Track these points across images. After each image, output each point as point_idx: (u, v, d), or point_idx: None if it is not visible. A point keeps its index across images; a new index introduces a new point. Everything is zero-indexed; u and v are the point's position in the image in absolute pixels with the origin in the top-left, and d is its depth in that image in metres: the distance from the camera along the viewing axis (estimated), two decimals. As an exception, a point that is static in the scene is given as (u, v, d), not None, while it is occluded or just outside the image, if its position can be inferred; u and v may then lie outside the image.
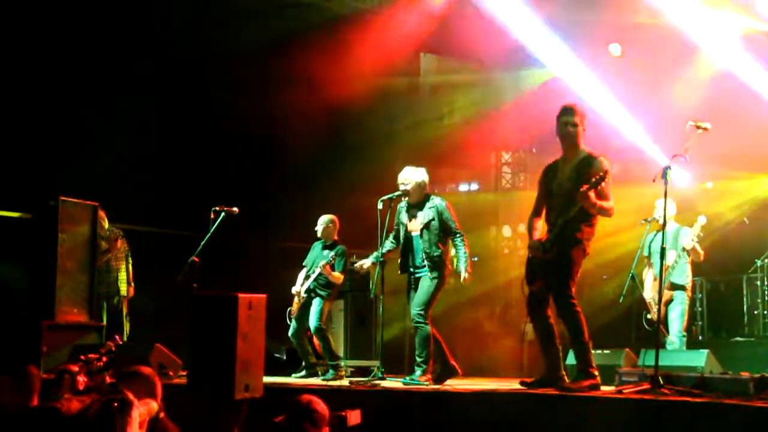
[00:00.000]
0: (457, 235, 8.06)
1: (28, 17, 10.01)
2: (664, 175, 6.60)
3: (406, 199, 8.18)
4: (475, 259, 13.67)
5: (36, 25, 10.05)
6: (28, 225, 9.03)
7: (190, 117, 11.25)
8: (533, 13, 11.57)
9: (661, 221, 7.26)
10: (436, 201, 8.14)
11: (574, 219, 6.71)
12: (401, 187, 8.14)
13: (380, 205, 8.08)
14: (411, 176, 8.16)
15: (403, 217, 8.19)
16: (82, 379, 6.51)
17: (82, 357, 7.11)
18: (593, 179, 6.58)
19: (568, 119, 6.92)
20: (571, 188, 6.70)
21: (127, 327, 9.88)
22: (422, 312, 7.90)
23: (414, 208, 8.17)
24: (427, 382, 7.77)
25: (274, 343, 10.33)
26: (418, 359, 7.96)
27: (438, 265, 7.96)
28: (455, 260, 8.09)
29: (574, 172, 6.82)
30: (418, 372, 7.89)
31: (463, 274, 7.96)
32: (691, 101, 10.91)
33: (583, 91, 11.96)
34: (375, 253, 8.26)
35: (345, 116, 12.31)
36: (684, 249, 9.03)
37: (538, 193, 7.17)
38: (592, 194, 6.57)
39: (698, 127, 6.79)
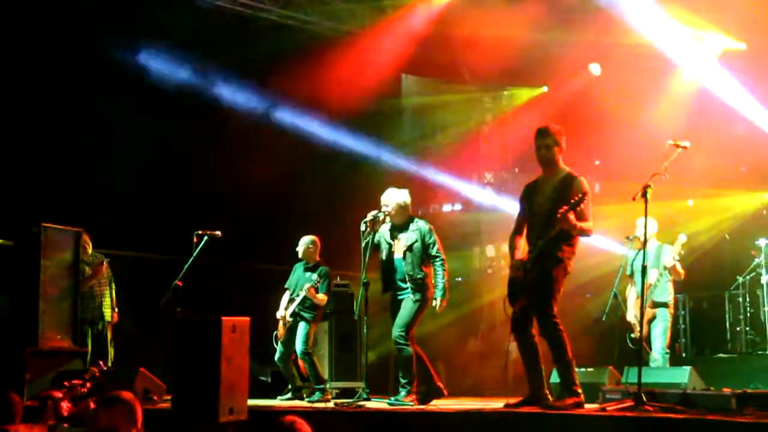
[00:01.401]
0: (438, 260, 8.06)
1: (14, 43, 10.02)
2: (644, 193, 6.66)
3: (389, 220, 8.19)
4: (459, 279, 13.76)
5: (22, 50, 10.05)
6: (10, 252, 9.00)
7: (171, 140, 11.27)
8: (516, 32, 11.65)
9: (642, 239, 7.33)
10: (420, 224, 8.15)
11: (554, 239, 6.76)
12: (384, 209, 8.14)
13: (363, 227, 8.07)
14: (393, 197, 8.17)
15: (387, 238, 8.20)
16: (66, 405, 6.52)
17: (66, 383, 7.13)
18: (572, 200, 6.64)
19: (541, 142, 6.98)
20: (551, 207, 6.75)
21: (111, 352, 9.85)
22: (403, 333, 7.91)
23: (397, 230, 8.19)
24: (411, 403, 7.78)
25: (258, 366, 10.32)
26: (402, 380, 7.97)
27: (421, 287, 7.98)
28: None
29: (554, 191, 6.88)
30: (403, 393, 7.90)
31: (438, 302, 7.98)
32: (670, 120, 11.04)
33: (565, 108, 12.07)
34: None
35: (326, 138, 12.36)
36: (665, 267, 9.10)
37: (519, 211, 7.23)
38: (571, 216, 6.63)
39: (677, 146, 6.87)
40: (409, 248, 8.04)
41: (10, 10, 9.99)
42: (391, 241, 8.16)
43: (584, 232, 6.79)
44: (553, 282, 6.78)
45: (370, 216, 8.09)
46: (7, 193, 9.89)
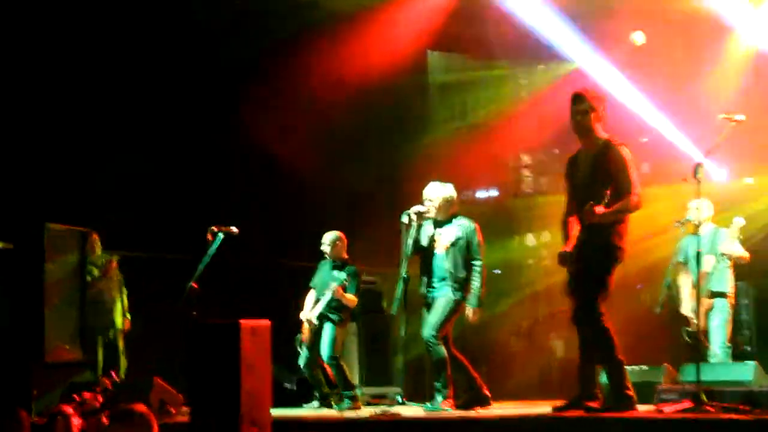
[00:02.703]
0: (477, 263, 8.08)
1: (14, 38, 10.09)
2: (696, 173, 6.57)
3: (431, 216, 8.18)
4: (497, 271, 13.70)
5: (23, 45, 10.12)
6: (11, 255, 9.04)
7: (185, 128, 11.30)
8: (550, 2, 11.57)
9: (695, 223, 7.25)
10: (464, 221, 8.20)
11: (596, 225, 6.60)
12: (426, 203, 8.16)
13: (404, 219, 8.06)
14: (437, 192, 8.20)
15: (429, 233, 8.19)
16: (76, 421, 6.56)
17: (76, 397, 7.18)
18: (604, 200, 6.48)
19: (577, 108, 6.81)
20: (589, 184, 6.63)
21: (123, 362, 9.91)
22: (435, 333, 7.91)
23: (439, 226, 8.19)
24: (449, 408, 7.77)
25: (283, 372, 10.35)
26: (437, 384, 7.96)
27: (462, 287, 8.03)
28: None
29: (592, 165, 6.73)
30: (439, 398, 7.90)
31: (471, 311, 7.99)
32: (724, 90, 10.93)
33: (606, 83, 11.97)
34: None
35: (349, 121, 12.34)
36: (722, 254, 9.00)
37: (566, 190, 7.11)
38: (599, 209, 6.45)
39: (731, 120, 6.78)
40: (453, 244, 8.06)
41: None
42: (433, 237, 8.15)
43: (625, 211, 6.61)
44: (598, 275, 6.67)
45: (413, 209, 8.08)
46: (6, 191, 9.95)
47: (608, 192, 6.50)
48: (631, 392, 6.70)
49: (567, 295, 6.92)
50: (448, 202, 8.20)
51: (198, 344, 6.70)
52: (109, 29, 10.54)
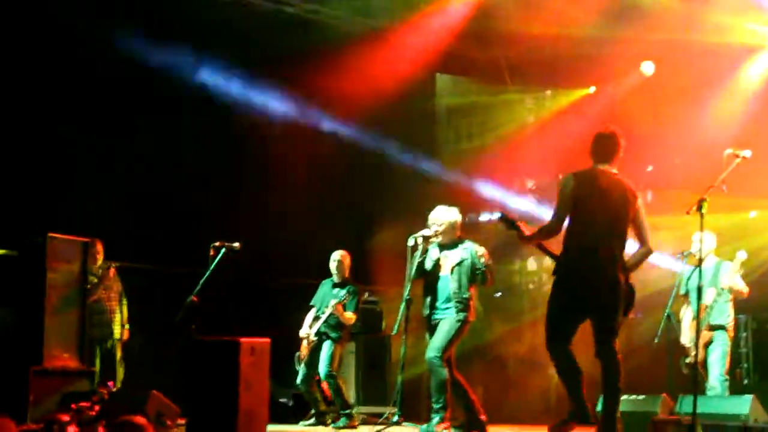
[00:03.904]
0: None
1: (17, 46, 10.14)
2: (700, 207, 6.60)
3: (437, 239, 8.22)
4: (498, 294, 13.73)
5: (26, 53, 10.17)
6: (14, 263, 9.08)
7: (189, 145, 11.34)
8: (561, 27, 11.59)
9: (697, 256, 7.27)
10: (469, 244, 8.22)
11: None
12: (432, 228, 8.17)
13: (411, 242, 8.10)
14: (443, 216, 8.22)
15: (434, 256, 8.23)
16: (72, 430, 6.58)
17: (73, 405, 7.20)
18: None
19: None
20: None
21: (121, 373, 9.92)
22: (439, 354, 7.90)
23: (445, 249, 8.23)
24: (445, 431, 7.78)
25: (280, 388, 10.36)
26: (436, 405, 7.96)
27: (466, 307, 8.03)
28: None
29: None
30: (436, 419, 7.90)
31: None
32: (731, 123, 10.96)
33: (614, 110, 12.02)
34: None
35: (356, 141, 12.37)
36: (723, 287, 9.01)
37: None
38: (524, 229, 6.72)
39: (737, 156, 6.80)
40: (459, 264, 8.08)
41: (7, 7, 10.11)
42: (438, 260, 8.19)
43: (538, 236, 6.86)
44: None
45: (420, 233, 8.12)
46: (12, 200, 9.99)
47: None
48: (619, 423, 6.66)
49: None
50: (453, 226, 8.22)
51: (198, 360, 6.74)
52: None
